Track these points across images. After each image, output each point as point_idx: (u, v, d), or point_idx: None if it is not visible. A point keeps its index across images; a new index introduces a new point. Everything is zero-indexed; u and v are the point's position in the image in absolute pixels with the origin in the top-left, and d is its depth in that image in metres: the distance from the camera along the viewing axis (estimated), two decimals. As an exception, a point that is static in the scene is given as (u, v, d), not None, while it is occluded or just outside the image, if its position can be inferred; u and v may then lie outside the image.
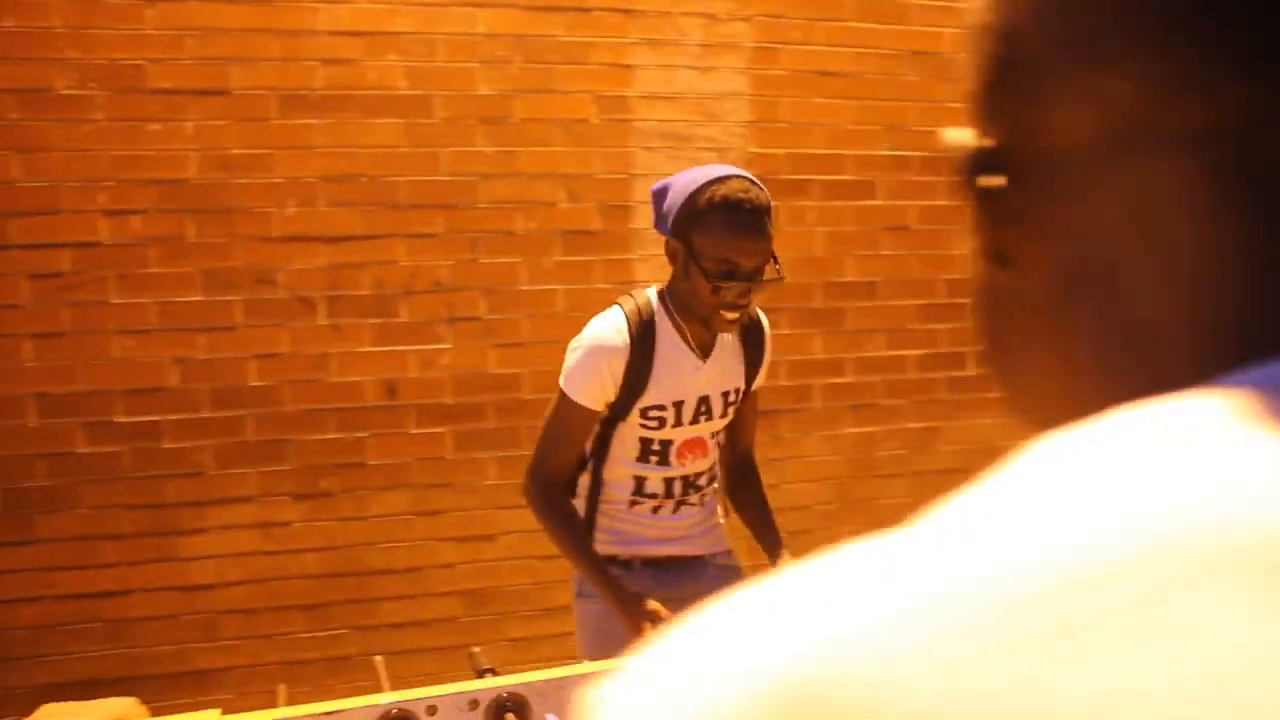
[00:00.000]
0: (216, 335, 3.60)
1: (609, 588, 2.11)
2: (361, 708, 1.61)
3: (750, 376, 2.31)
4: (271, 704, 3.68)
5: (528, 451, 3.87)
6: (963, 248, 4.37)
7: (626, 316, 2.17)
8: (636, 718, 0.30)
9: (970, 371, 4.47)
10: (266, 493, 3.68)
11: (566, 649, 3.97)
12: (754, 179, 2.06)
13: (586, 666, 1.77)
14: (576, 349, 2.19)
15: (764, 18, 4.06)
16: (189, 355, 3.58)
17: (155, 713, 3.54)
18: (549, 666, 3.93)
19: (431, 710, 1.64)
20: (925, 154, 4.30)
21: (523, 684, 1.70)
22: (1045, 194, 0.47)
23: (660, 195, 2.12)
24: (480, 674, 1.79)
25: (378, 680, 1.90)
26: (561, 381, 2.20)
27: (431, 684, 3.83)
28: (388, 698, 1.63)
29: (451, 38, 3.72)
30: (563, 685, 1.72)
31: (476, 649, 1.97)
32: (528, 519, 3.92)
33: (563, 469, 2.24)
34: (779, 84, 4.10)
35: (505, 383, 3.89)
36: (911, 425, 4.41)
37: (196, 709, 3.66)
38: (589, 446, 2.26)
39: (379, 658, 1.98)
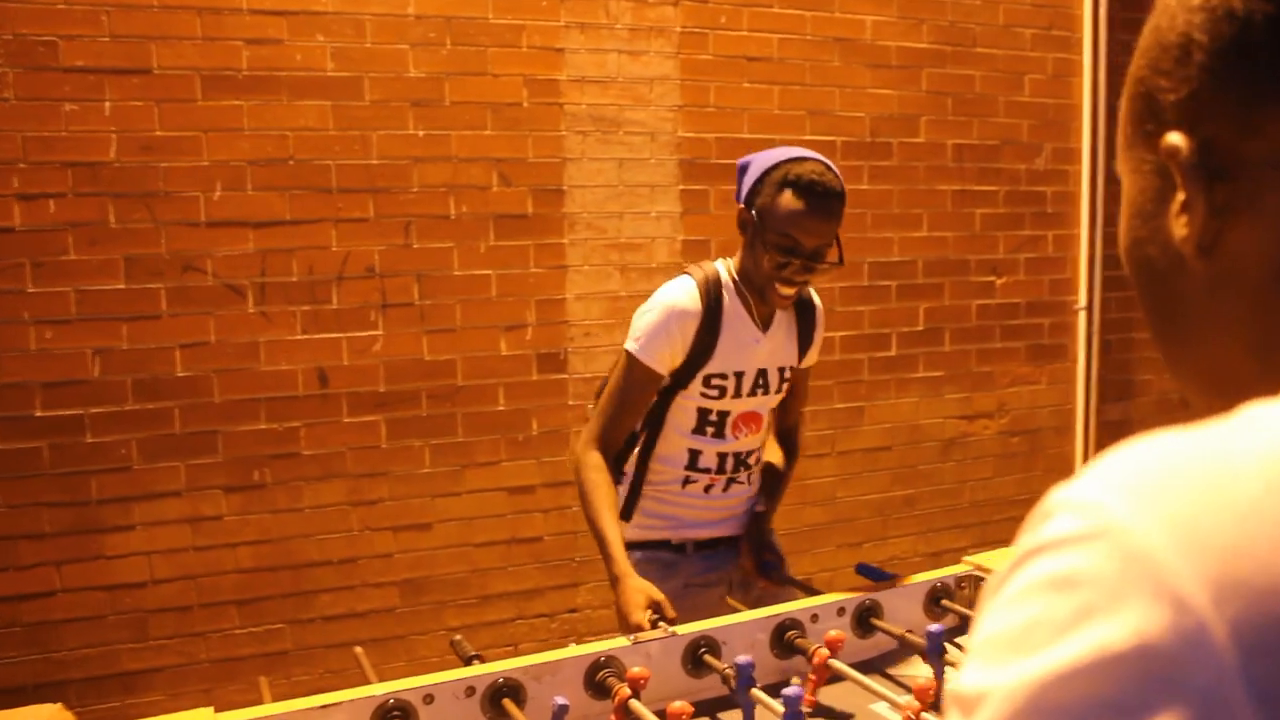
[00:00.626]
0: (140, 325, 3.47)
1: (617, 565, 2.12)
2: (358, 699, 1.59)
3: (802, 353, 2.38)
4: (205, 704, 3.59)
5: (463, 439, 3.88)
6: (886, 232, 4.48)
7: (698, 284, 2.20)
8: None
9: (893, 352, 4.59)
10: (196, 486, 3.57)
11: (506, 635, 3.97)
12: (831, 165, 2.12)
13: (576, 650, 1.77)
14: (648, 311, 2.20)
15: (691, 2, 4.08)
16: (111, 346, 3.45)
17: (83, 719, 3.42)
18: (497, 653, 3.92)
19: (428, 699, 1.63)
20: (849, 139, 4.38)
21: (518, 669, 1.70)
22: (1257, 187, 0.51)
23: (743, 169, 2.19)
24: (467, 661, 1.77)
25: (360, 663, 1.87)
26: (629, 344, 2.21)
27: (372, 676, 3.78)
28: (382, 689, 1.61)
29: (380, 19, 3.64)
30: (557, 669, 1.72)
31: (458, 636, 1.95)
32: (465, 507, 3.91)
33: (622, 437, 2.26)
34: (707, 69, 4.13)
35: (439, 369, 3.84)
36: (838, 406, 4.50)
37: (126, 713, 3.55)
38: (638, 423, 2.28)
39: (359, 649, 1.95)
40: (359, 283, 3.70)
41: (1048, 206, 4.85)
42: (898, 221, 4.53)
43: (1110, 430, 5.09)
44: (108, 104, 3.37)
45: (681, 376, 2.21)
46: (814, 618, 1.94)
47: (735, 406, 2.25)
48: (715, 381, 2.21)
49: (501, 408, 3.92)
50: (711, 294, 2.19)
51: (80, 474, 3.44)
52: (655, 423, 2.29)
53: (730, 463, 2.30)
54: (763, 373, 2.26)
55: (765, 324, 2.26)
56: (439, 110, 3.75)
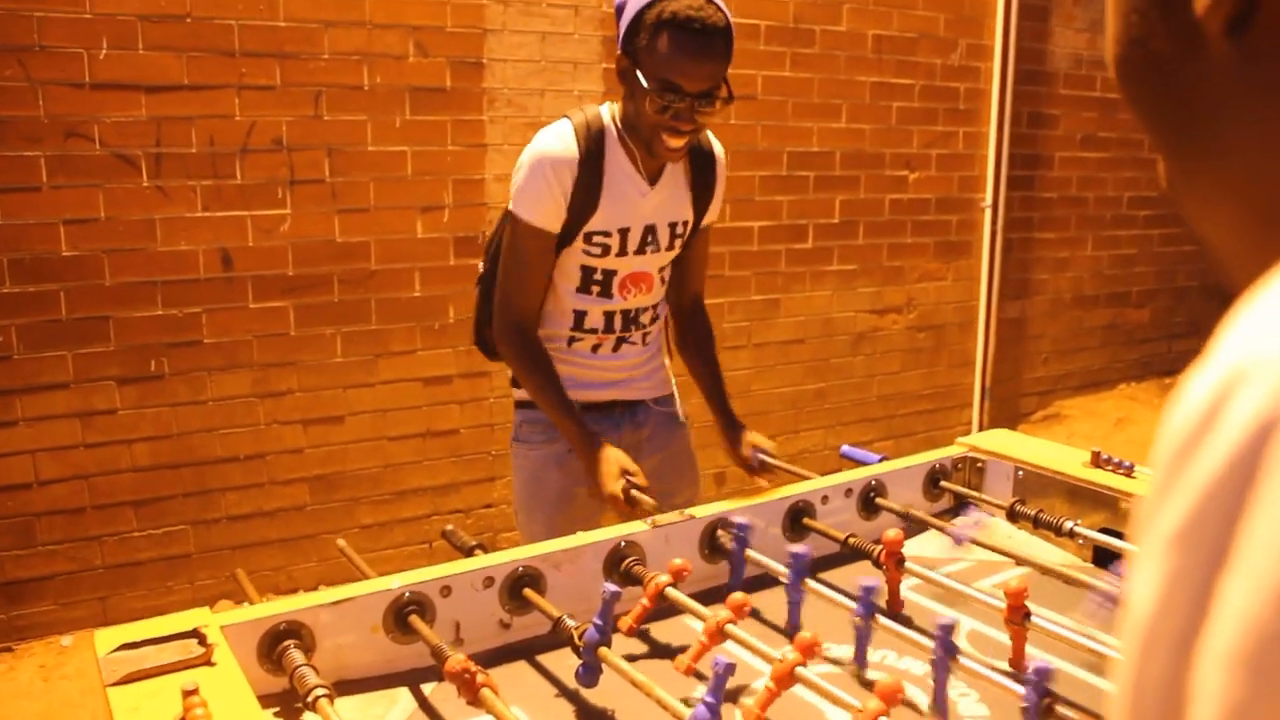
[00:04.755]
0: (17, 197, 3.10)
1: (579, 434, 1.97)
2: (371, 594, 1.44)
3: (700, 210, 2.13)
4: (99, 612, 3.34)
5: (377, 326, 3.66)
6: (806, 122, 4.39)
7: (575, 128, 1.97)
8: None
9: (809, 244, 4.54)
10: (86, 378, 3.26)
11: (421, 533, 3.82)
12: None
13: (594, 535, 1.65)
14: (522, 165, 1.97)
15: None
16: (-17, 220, 3.08)
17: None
18: (410, 551, 3.76)
19: (446, 591, 1.49)
20: (772, 23, 4.25)
21: (536, 557, 1.57)
22: None
23: (619, 9, 1.93)
24: (468, 552, 1.63)
25: (239, 583, 1.70)
26: (511, 204, 1.99)
27: (282, 578, 3.59)
28: (398, 580, 1.46)
29: None
30: (576, 556, 1.61)
31: (450, 526, 1.80)
32: (378, 398, 3.71)
33: (531, 304, 2.05)
34: (634, -61, 3.90)
35: (351, 252, 3.59)
36: (755, 297, 4.44)
37: (13, 624, 3.27)
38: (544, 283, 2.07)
39: (342, 540, 1.78)
40: (265, 156, 3.40)
41: (960, 103, 4.84)
42: (817, 111, 4.44)
43: (1009, 328, 5.21)
44: (-28, -59, 2.95)
45: (563, 232, 2.00)
46: (824, 499, 1.87)
47: (622, 265, 2.05)
48: (597, 239, 2.01)
49: (417, 294, 3.71)
50: (590, 140, 1.96)
51: (-48, 363, 3.09)
52: None
53: (619, 321, 2.10)
54: (650, 229, 2.05)
55: (653, 178, 2.03)
56: (351, -31, 3.43)
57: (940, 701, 1.29)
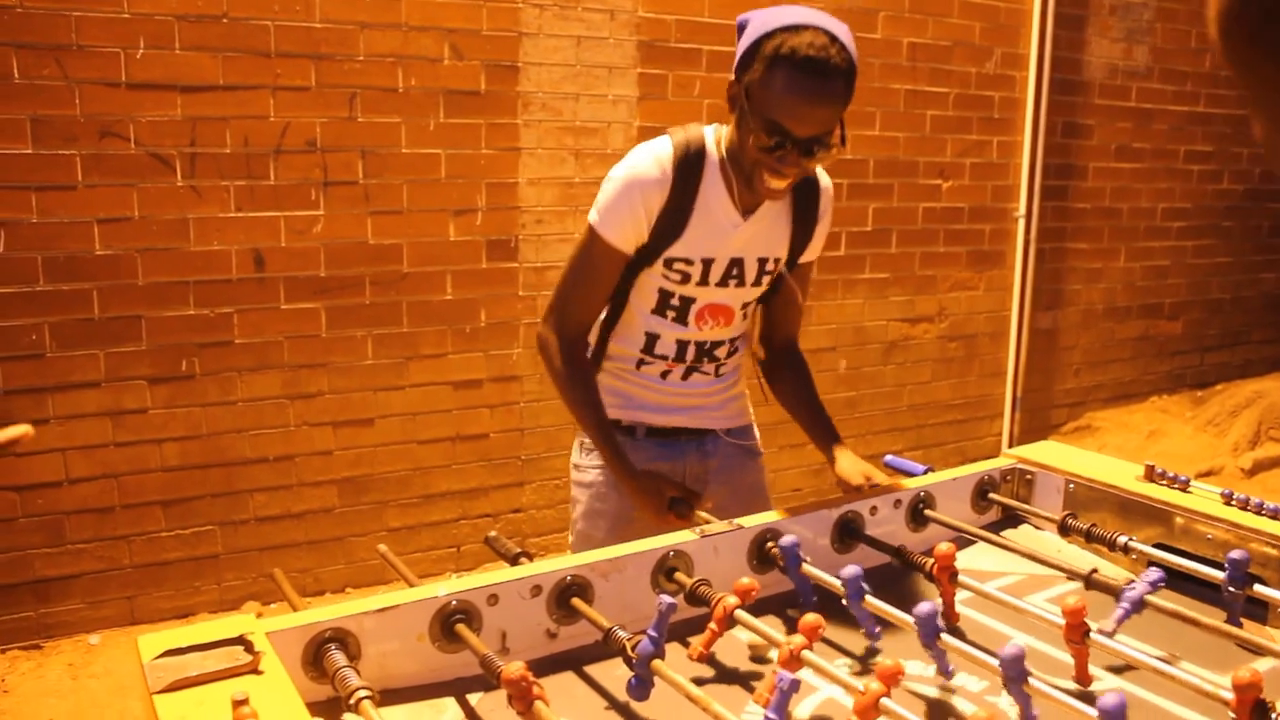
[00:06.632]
0: (53, 195, 3.10)
1: (616, 459, 1.92)
2: (418, 601, 1.41)
3: (799, 246, 2.00)
4: (126, 611, 3.33)
5: (408, 329, 3.64)
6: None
7: (674, 147, 1.86)
8: None
9: (842, 252, 4.50)
10: (117, 376, 3.25)
11: (450, 536, 3.80)
12: (837, 34, 1.72)
13: (640, 545, 1.62)
14: (612, 180, 1.88)
15: None
16: (18, 218, 3.07)
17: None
18: (438, 555, 3.74)
19: (493, 600, 1.46)
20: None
21: (585, 565, 1.54)
22: None
23: (741, 28, 1.80)
24: (513, 560, 1.60)
25: (277, 584, 1.66)
26: (591, 215, 1.90)
27: (310, 581, 3.57)
28: (444, 588, 1.43)
29: None
30: (623, 565, 1.57)
31: (494, 532, 1.77)
32: (408, 401, 3.69)
33: (585, 318, 1.97)
34: (671, -57, 3.88)
35: (383, 254, 3.57)
36: (786, 305, 4.40)
37: (42, 622, 3.26)
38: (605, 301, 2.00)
39: (383, 546, 1.76)
40: (299, 157, 3.39)
41: (994, 112, 4.80)
42: (852, 118, 4.37)
43: (1041, 338, 5.16)
44: (12, -61, 2.96)
45: (644, 253, 1.90)
46: (873, 510, 1.83)
47: (701, 295, 1.95)
48: (678, 265, 1.90)
49: (449, 297, 3.69)
50: (687, 162, 1.85)
51: (-15, 360, 3.09)
52: (619, 296, 1.99)
53: (691, 352, 2.01)
54: (737, 262, 1.93)
55: (749, 210, 1.91)
56: (387, -29, 3.42)
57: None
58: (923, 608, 1.39)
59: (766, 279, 2.00)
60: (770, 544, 1.69)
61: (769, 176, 1.79)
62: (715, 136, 1.91)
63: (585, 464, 2.11)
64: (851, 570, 1.50)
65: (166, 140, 3.20)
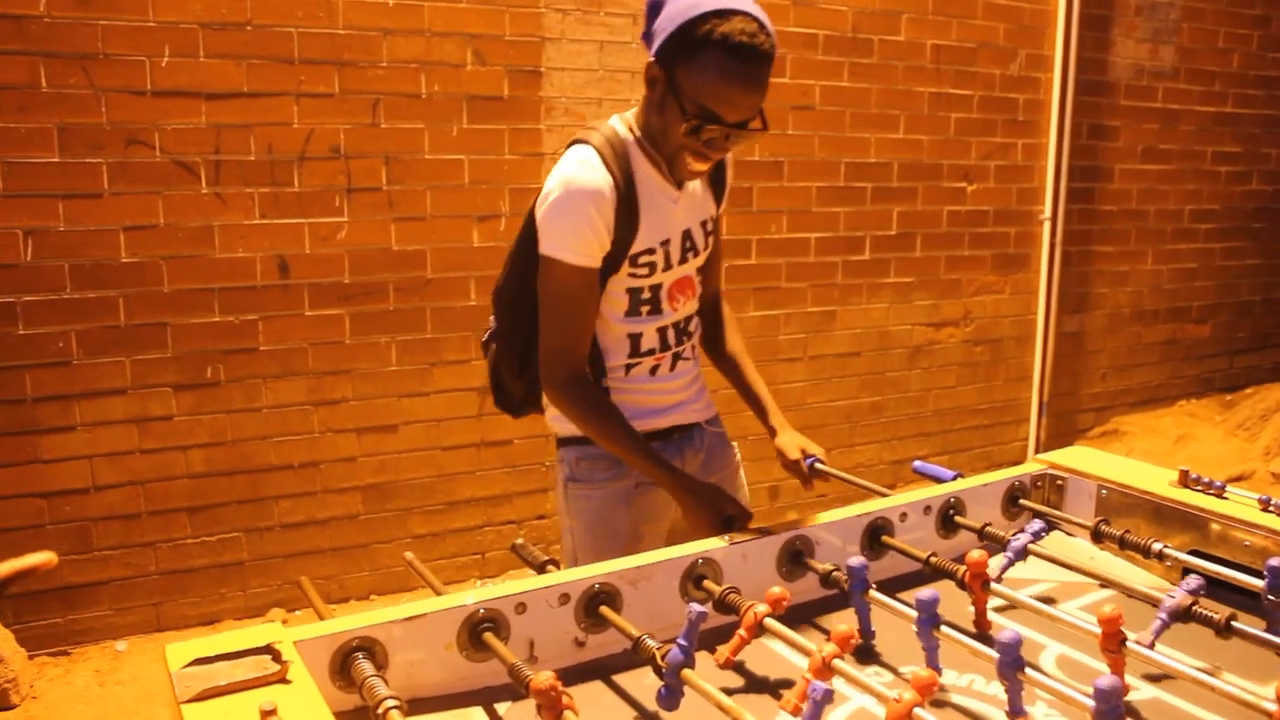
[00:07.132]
0: (79, 203, 3.12)
1: (671, 474, 1.88)
2: (445, 610, 1.40)
3: (718, 197, 2.05)
4: (153, 618, 3.34)
5: (432, 335, 3.64)
6: (864, 132, 4.32)
7: (598, 150, 1.82)
8: None
9: (866, 256, 4.47)
10: (143, 383, 3.26)
11: (474, 543, 3.79)
12: (762, 19, 1.73)
13: (670, 552, 1.60)
14: (555, 206, 1.79)
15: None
16: (46, 226, 3.09)
17: (20, 636, 3.14)
18: (463, 562, 3.74)
19: (520, 608, 1.45)
20: (831, 33, 4.19)
21: (613, 573, 1.52)
22: None
23: (654, 8, 1.78)
24: (540, 568, 1.59)
25: (304, 592, 1.65)
26: (547, 248, 1.81)
27: (334, 588, 3.57)
28: (472, 596, 1.42)
29: None
30: (651, 574, 1.56)
31: (520, 539, 1.76)
32: (432, 408, 3.69)
33: (580, 348, 1.91)
34: (693, -53, 3.87)
35: (407, 260, 3.57)
36: (811, 309, 4.38)
37: (69, 628, 3.27)
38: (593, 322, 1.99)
39: (410, 554, 1.75)
40: (322, 164, 3.40)
41: (1019, 114, 4.76)
42: (875, 122, 4.38)
43: (1067, 342, 5.11)
44: (39, -51, 2.97)
45: (608, 262, 1.86)
46: (903, 516, 1.81)
47: (666, 278, 1.94)
48: (644, 259, 1.89)
49: (473, 303, 3.68)
50: (618, 159, 1.82)
51: (12, 369, 3.11)
52: None
53: (672, 335, 2.00)
54: (687, 234, 1.95)
55: (679, 182, 1.91)
56: (410, -23, 3.43)
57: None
58: (924, 593, 1.37)
59: (711, 239, 2.04)
60: (835, 570, 1.62)
61: (692, 160, 1.80)
62: (625, 124, 1.89)
63: (592, 478, 2.02)
64: (857, 560, 1.48)
65: (191, 148, 3.22)
